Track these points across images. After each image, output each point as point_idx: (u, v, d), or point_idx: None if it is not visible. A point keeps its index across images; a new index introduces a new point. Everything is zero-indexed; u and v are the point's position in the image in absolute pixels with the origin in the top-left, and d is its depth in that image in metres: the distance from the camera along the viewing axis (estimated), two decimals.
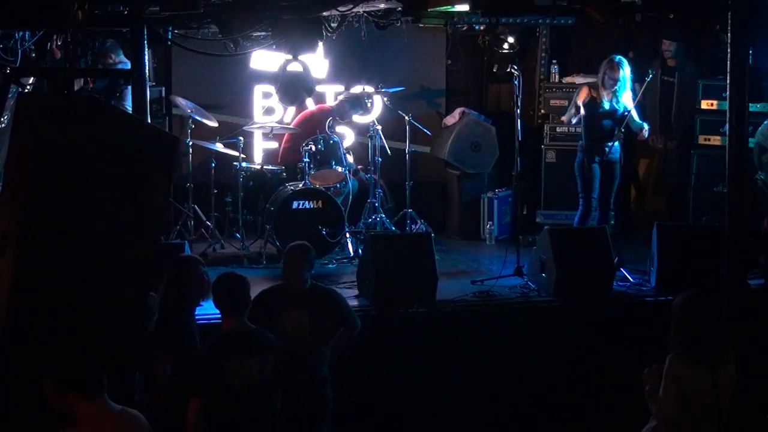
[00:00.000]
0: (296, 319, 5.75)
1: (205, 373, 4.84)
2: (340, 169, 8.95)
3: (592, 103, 8.49)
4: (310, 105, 9.93)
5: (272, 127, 9.25)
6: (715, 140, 9.32)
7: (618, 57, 8.51)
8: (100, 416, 4.09)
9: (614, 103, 8.49)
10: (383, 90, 9.48)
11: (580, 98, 8.53)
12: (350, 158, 9.50)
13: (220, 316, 5.14)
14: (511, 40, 10.18)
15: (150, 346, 5.28)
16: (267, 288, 6.03)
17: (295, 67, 8.60)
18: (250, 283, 5.32)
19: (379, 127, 9.21)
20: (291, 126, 9.50)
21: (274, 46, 7.78)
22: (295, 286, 5.86)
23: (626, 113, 8.44)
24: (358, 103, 9.37)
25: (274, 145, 9.87)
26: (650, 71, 8.63)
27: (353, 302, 7.39)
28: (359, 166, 9.60)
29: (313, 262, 5.96)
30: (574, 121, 8.64)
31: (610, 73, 8.42)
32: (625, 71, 8.45)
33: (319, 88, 9.56)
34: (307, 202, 8.62)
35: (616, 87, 8.43)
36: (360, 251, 8.56)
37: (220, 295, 5.09)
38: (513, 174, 8.52)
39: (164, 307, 5.45)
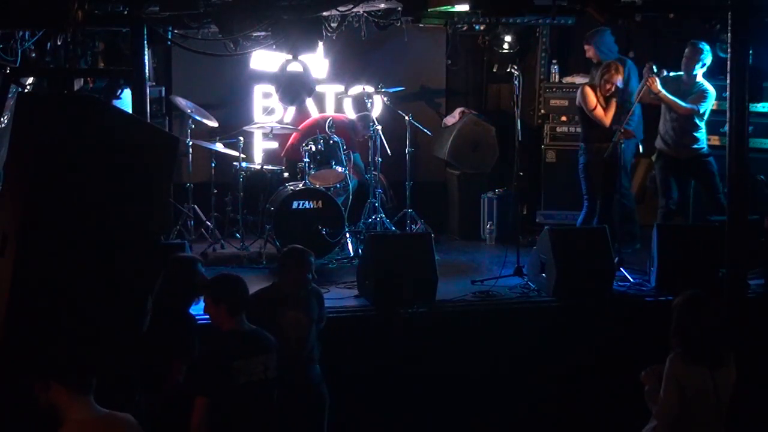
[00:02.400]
0: (295, 319, 5.76)
1: (213, 373, 4.86)
2: (340, 169, 8.95)
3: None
4: (311, 106, 9.93)
5: (272, 127, 9.25)
6: (715, 140, 9.32)
7: (623, 59, 8.55)
8: (83, 420, 4.06)
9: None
10: (383, 90, 9.48)
11: (593, 101, 8.56)
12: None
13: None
14: (511, 40, 10.18)
15: (158, 349, 5.28)
16: (262, 288, 6.00)
17: (295, 67, 8.59)
18: (251, 282, 5.33)
19: (379, 127, 9.21)
20: (299, 128, 9.49)
21: (274, 46, 7.78)
22: (297, 288, 5.85)
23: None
24: (369, 122, 9.34)
25: (274, 145, 9.88)
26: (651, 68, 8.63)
27: (353, 302, 7.42)
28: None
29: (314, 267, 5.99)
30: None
31: (616, 77, 8.45)
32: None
33: (319, 88, 9.54)
34: (307, 202, 8.61)
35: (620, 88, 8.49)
36: (360, 251, 8.56)
37: (223, 295, 5.10)
38: (513, 174, 8.52)
39: (165, 307, 5.44)
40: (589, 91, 8.64)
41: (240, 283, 5.13)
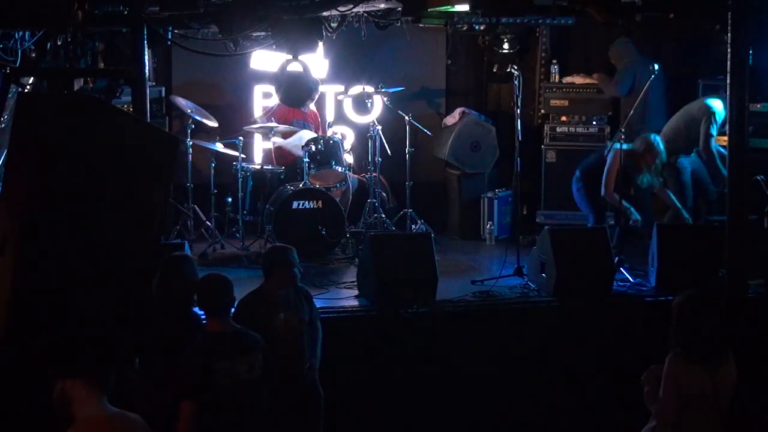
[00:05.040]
0: (288, 320, 5.76)
1: (195, 375, 4.86)
2: (340, 169, 8.95)
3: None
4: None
5: (272, 127, 9.24)
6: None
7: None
8: (95, 417, 4.08)
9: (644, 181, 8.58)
10: (383, 90, 9.48)
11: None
12: (350, 158, 9.51)
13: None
14: (511, 40, 10.18)
15: (161, 348, 5.28)
16: (251, 293, 5.93)
17: (295, 67, 8.60)
18: (251, 283, 5.32)
19: (379, 127, 9.22)
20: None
21: (274, 46, 7.78)
22: (285, 286, 5.84)
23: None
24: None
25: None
26: (652, 69, 8.64)
27: (353, 302, 7.41)
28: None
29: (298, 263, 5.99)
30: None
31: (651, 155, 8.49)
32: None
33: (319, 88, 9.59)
34: (307, 202, 8.62)
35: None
36: (360, 251, 8.56)
37: (205, 296, 5.11)
38: (513, 174, 8.51)
39: (167, 307, 5.46)
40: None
41: (218, 285, 5.14)
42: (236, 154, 8.94)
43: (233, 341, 5.00)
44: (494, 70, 10.51)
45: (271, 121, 9.25)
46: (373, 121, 9.30)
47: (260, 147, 9.91)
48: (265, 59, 9.46)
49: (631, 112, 8.69)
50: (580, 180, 8.87)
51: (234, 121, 9.76)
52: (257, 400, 5.02)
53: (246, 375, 4.95)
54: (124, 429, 4.17)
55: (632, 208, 8.54)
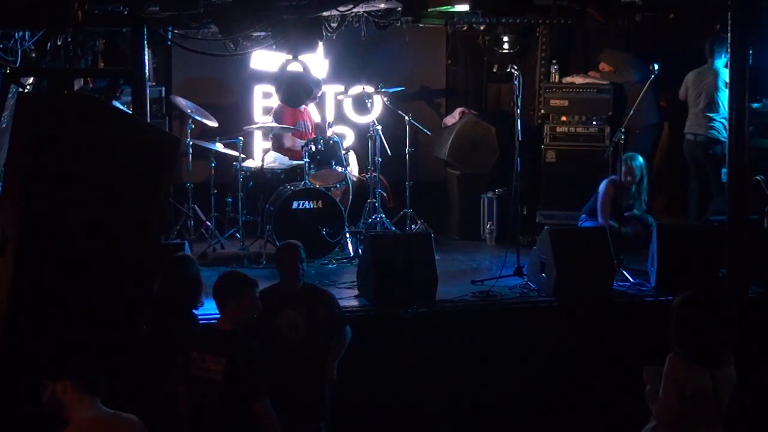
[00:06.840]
0: (292, 318, 5.77)
1: (181, 359, 5.06)
2: (340, 169, 8.95)
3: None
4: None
5: (272, 127, 9.24)
6: None
7: (632, 155, 8.59)
8: (90, 419, 4.07)
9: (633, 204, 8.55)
10: (383, 90, 9.48)
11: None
12: (353, 159, 9.52)
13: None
14: (511, 40, 10.18)
15: (159, 348, 5.30)
16: (269, 286, 6.02)
17: (295, 67, 8.60)
18: None
19: (379, 127, 9.22)
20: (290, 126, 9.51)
21: (274, 46, 7.78)
22: (291, 285, 5.87)
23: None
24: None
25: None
26: (652, 69, 8.64)
27: (353, 302, 7.41)
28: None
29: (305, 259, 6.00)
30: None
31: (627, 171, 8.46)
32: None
33: None
34: (307, 202, 8.62)
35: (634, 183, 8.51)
36: (360, 251, 8.56)
37: (217, 291, 5.18)
38: (513, 174, 8.52)
39: (166, 307, 5.47)
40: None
41: (221, 282, 5.21)
42: (236, 154, 8.94)
43: (214, 338, 5.08)
44: (494, 70, 10.51)
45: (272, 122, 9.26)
46: (373, 121, 9.29)
47: (260, 147, 9.93)
48: (265, 59, 9.46)
49: (631, 111, 8.69)
50: (586, 221, 8.77)
51: (234, 121, 9.76)
52: (220, 405, 4.99)
53: (213, 375, 4.98)
54: (119, 428, 4.16)
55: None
